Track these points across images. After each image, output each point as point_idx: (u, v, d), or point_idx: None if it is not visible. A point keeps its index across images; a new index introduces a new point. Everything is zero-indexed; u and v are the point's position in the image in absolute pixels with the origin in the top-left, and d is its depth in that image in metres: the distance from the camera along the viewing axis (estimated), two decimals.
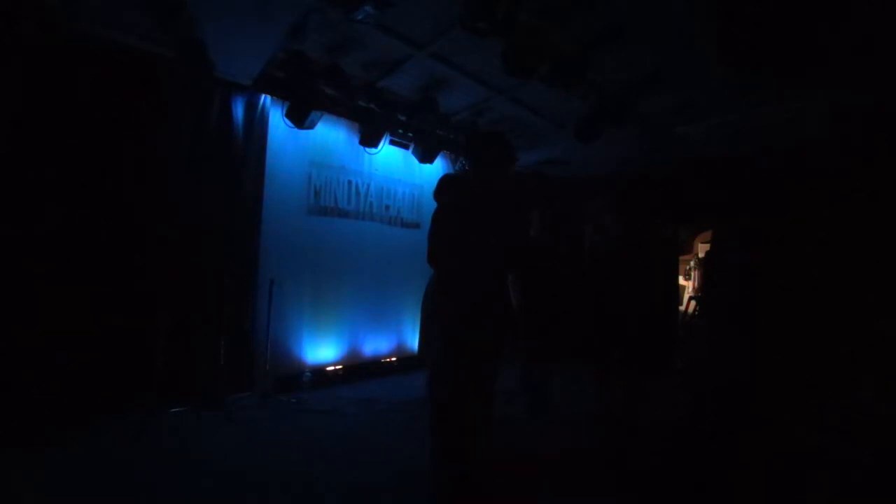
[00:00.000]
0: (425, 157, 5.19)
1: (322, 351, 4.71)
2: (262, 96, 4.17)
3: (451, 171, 5.79)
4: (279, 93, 4.16)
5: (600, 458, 3.15)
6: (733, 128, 4.68)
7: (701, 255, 8.01)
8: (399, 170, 5.50)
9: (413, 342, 5.42)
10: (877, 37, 3.09)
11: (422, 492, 2.43)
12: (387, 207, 5.36)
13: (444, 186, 3.01)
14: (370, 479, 2.66)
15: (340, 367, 4.82)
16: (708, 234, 7.12)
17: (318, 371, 4.63)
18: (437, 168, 5.59)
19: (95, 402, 3.20)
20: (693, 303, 7.12)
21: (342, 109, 4.51)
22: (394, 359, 5.36)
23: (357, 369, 4.94)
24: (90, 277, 3.24)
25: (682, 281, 8.13)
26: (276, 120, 4.26)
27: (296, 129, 4.18)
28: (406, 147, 5.36)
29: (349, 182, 4.99)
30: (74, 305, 3.17)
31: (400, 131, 5.06)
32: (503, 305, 2.46)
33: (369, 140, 4.74)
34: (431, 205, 2.55)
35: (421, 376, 4.21)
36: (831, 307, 4.41)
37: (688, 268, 8.55)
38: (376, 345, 5.23)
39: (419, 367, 4.77)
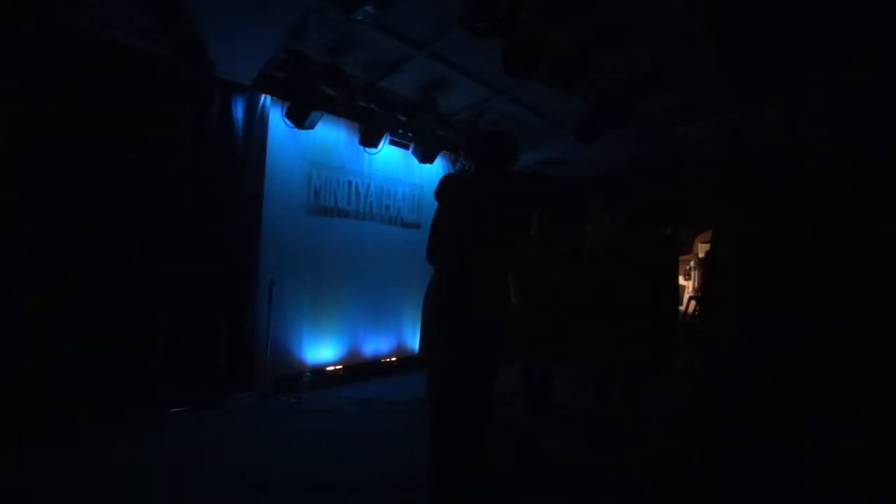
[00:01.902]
0: (425, 157, 5.19)
1: (322, 351, 4.71)
2: (262, 96, 4.17)
3: (451, 171, 5.79)
4: (279, 93, 4.16)
5: (600, 457, 3.15)
6: (733, 128, 4.68)
7: (701, 255, 8.01)
8: (399, 170, 5.50)
9: (413, 342, 5.42)
10: (877, 37, 3.09)
11: (422, 492, 2.43)
12: (387, 207, 5.36)
13: (445, 186, 3.00)
14: (370, 479, 2.66)
15: (340, 367, 4.82)
16: (708, 234, 7.12)
17: (318, 371, 4.63)
18: (437, 168, 5.59)
19: (96, 402, 3.20)
20: (693, 303, 7.13)
21: (342, 109, 4.50)
22: (394, 359, 5.36)
23: (357, 369, 4.94)
24: (90, 277, 3.24)
25: (682, 281, 8.14)
26: (276, 120, 4.26)
27: (296, 129, 4.18)
28: (406, 147, 5.36)
29: (349, 182, 4.99)
30: (74, 306, 3.17)
31: (400, 131, 5.06)
32: (503, 305, 2.46)
33: (369, 140, 4.74)
34: (431, 205, 2.55)
35: (421, 376, 4.20)
36: (831, 307, 4.41)
37: (688, 268, 8.56)
38: (376, 345, 5.22)
39: (419, 367, 4.77)
